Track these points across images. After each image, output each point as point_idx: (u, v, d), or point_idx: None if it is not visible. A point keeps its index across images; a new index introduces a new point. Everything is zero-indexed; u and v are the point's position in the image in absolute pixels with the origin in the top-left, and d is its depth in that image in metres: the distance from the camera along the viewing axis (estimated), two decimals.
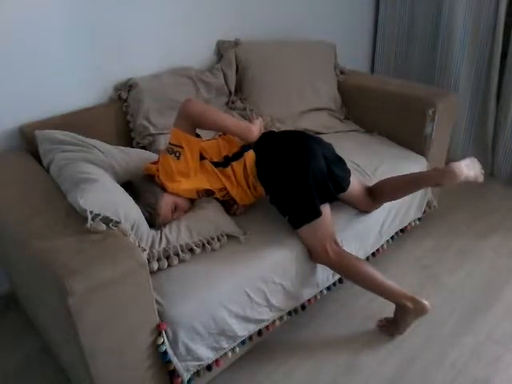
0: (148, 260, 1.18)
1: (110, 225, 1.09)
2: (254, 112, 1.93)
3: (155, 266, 1.20)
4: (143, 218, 1.24)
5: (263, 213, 1.46)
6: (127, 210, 1.16)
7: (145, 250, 1.18)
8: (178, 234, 1.27)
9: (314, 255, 1.42)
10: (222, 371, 1.38)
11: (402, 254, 1.96)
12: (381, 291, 1.47)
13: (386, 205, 1.66)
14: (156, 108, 1.71)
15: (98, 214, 1.06)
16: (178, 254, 1.24)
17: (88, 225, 1.04)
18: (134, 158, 1.47)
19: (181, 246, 1.25)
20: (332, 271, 1.52)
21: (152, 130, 1.70)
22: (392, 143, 1.89)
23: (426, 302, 1.45)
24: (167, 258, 1.24)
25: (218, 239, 1.32)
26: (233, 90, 1.95)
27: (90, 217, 1.04)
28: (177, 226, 1.30)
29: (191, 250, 1.27)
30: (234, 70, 1.95)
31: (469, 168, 1.47)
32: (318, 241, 1.39)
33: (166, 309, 1.13)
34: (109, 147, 1.43)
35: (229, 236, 1.35)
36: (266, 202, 1.50)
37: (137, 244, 1.15)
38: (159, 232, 1.27)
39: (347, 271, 1.44)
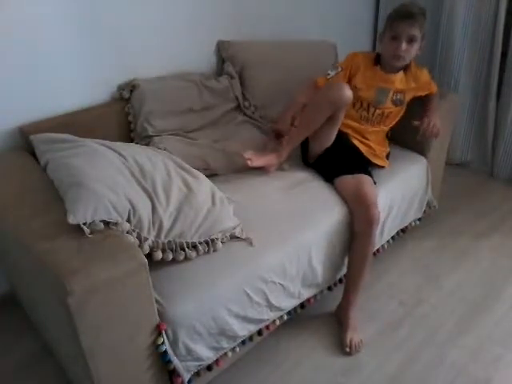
0: (152, 249, 1.17)
1: (109, 225, 1.09)
2: (259, 115, 1.94)
3: (159, 255, 1.18)
4: (141, 202, 1.19)
5: (263, 211, 1.46)
6: (118, 202, 1.12)
7: (147, 238, 1.16)
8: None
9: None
10: (223, 371, 1.38)
11: (402, 254, 1.96)
12: (359, 289, 1.56)
13: (386, 205, 1.66)
14: (158, 110, 1.70)
15: (93, 222, 1.06)
16: (183, 249, 1.23)
17: (87, 234, 1.04)
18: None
19: (186, 242, 1.24)
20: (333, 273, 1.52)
21: (150, 132, 1.68)
22: (392, 143, 1.89)
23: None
24: (172, 250, 1.22)
25: (222, 240, 1.31)
26: (239, 94, 1.94)
27: (85, 228, 1.04)
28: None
29: (195, 247, 1.26)
30: (236, 73, 1.94)
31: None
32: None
33: (166, 309, 1.13)
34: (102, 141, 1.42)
35: (231, 236, 1.35)
36: (268, 200, 1.50)
37: (136, 235, 1.14)
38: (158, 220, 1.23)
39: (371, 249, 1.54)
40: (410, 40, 1.56)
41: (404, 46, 1.56)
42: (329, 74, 1.73)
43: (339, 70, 1.71)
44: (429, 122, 1.68)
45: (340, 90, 1.50)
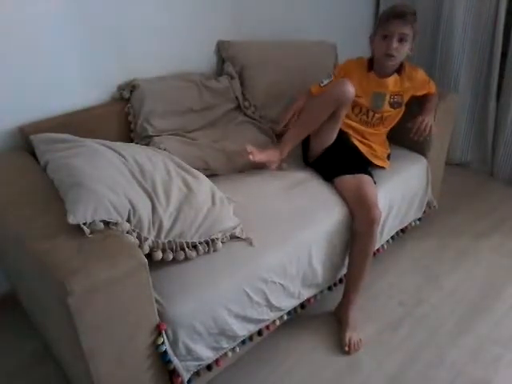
0: (152, 249, 1.17)
1: (109, 225, 1.08)
2: (259, 115, 1.94)
3: (159, 255, 1.18)
4: (141, 202, 1.19)
5: (263, 211, 1.46)
6: (118, 202, 1.12)
7: (147, 238, 1.16)
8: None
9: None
10: (222, 371, 1.38)
11: (402, 254, 1.96)
12: (359, 289, 1.57)
13: (386, 205, 1.66)
14: (157, 110, 1.70)
15: (93, 222, 1.06)
16: (184, 249, 1.23)
17: (87, 235, 1.04)
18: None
19: (186, 242, 1.24)
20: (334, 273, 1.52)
21: (150, 132, 1.68)
22: (391, 143, 1.89)
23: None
24: (172, 250, 1.22)
25: (222, 240, 1.31)
26: (239, 94, 1.94)
27: (85, 228, 1.04)
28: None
29: (195, 247, 1.26)
30: (236, 73, 1.94)
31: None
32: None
33: (166, 309, 1.13)
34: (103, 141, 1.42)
35: (231, 236, 1.34)
36: (268, 200, 1.50)
37: (136, 235, 1.14)
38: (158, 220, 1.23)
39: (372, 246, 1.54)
40: (401, 39, 1.58)
41: (395, 44, 1.57)
42: (322, 82, 1.76)
43: (332, 78, 1.75)
44: (422, 121, 1.70)
45: (343, 86, 1.52)
